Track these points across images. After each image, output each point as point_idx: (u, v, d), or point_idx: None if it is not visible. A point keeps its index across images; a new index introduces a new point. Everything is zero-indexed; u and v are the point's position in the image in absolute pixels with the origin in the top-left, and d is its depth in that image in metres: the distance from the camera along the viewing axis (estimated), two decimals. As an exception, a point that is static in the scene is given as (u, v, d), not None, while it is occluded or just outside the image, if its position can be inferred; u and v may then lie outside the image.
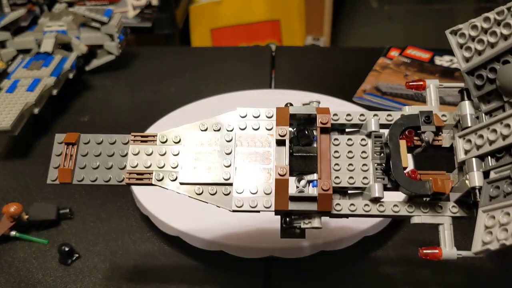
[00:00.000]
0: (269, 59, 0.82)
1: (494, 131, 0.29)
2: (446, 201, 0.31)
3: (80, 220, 0.53)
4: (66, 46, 0.74)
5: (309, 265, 0.48)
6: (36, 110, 0.62)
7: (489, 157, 0.30)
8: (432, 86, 0.34)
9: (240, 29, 1.75)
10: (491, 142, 0.29)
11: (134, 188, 0.53)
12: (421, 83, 0.34)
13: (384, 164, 0.31)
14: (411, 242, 0.49)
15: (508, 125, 0.28)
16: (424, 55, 0.78)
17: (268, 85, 0.76)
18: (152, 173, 0.33)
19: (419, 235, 0.50)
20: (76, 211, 0.54)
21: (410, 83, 0.35)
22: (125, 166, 0.33)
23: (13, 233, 0.50)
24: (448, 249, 0.30)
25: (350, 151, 0.32)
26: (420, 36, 2.23)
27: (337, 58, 0.86)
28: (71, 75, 0.71)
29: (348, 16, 2.39)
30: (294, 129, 0.33)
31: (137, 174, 0.33)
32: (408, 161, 0.31)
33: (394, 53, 0.79)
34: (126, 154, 0.34)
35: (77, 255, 0.48)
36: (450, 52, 0.79)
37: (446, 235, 0.31)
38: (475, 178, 0.29)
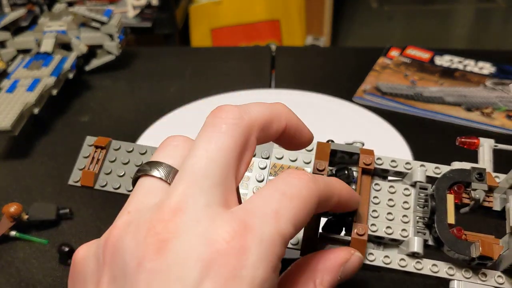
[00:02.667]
0: (269, 59, 0.82)
1: None
2: (492, 269, 0.28)
3: (80, 220, 0.53)
4: (66, 46, 0.74)
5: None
6: (36, 110, 0.62)
7: None
8: (487, 145, 0.31)
9: (240, 29, 1.76)
10: None
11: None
12: (475, 141, 0.31)
13: (427, 218, 0.28)
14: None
15: None
16: (424, 55, 0.78)
17: (268, 85, 0.76)
18: None
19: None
20: (76, 211, 0.53)
21: (463, 140, 0.32)
22: None
23: (13, 233, 0.50)
24: None
25: (391, 199, 0.30)
26: (420, 36, 2.23)
27: (337, 58, 0.86)
28: (71, 75, 0.71)
29: (348, 16, 2.39)
30: (333, 168, 0.31)
31: None
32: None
33: (394, 53, 0.79)
34: None
35: (77, 255, 0.48)
36: (450, 52, 0.79)
37: None
38: None
